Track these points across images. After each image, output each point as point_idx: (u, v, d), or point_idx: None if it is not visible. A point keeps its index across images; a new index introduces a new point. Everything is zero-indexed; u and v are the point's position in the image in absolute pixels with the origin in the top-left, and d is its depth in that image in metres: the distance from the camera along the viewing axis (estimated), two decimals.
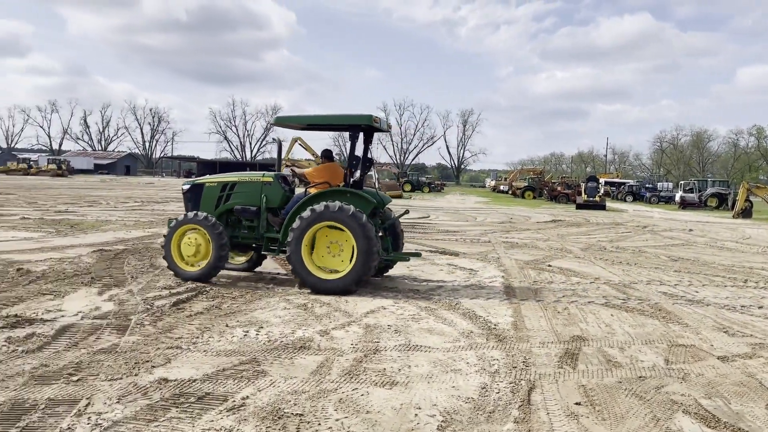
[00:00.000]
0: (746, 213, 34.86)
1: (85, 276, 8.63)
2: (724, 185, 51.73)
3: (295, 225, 8.21)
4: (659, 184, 69.23)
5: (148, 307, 7.00)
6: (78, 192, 33.96)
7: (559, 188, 50.15)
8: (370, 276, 8.40)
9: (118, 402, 4.20)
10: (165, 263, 10.07)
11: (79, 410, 4.04)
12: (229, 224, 9.13)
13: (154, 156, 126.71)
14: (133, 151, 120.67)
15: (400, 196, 45.62)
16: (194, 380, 4.68)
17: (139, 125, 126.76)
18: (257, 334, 6.08)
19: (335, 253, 8.38)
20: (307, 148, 58.47)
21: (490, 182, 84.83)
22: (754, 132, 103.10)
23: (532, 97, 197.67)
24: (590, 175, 54.15)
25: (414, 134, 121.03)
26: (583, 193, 40.14)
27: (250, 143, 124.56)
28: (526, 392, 4.63)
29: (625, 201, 57.61)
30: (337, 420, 4.04)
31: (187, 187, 9.51)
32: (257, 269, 9.89)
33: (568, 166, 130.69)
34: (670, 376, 5.13)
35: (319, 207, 8.14)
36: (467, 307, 7.59)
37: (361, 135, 8.95)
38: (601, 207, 38.23)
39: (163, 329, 6.12)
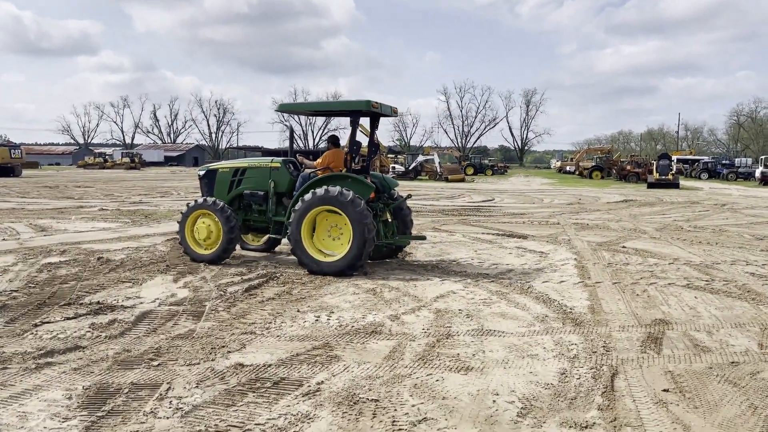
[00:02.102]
0: None
1: (160, 264, 8.89)
2: None
3: (296, 207, 8.37)
4: (737, 160, 65.77)
5: (222, 293, 7.13)
6: (150, 183, 35.21)
7: (628, 167, 48.33)
8: (366, 260, 8.38)
9: (197, 387, 4.27)
10: (236, 251, 10.29)
11: (161, 394, 4.12)
12: (241, 208, 9.42)
13: (220, 147, 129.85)
14: (200, 143, 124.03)
15: (462, 180, 45.18)
16: (269, 365, 4.71)
17: (206, 117, 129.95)
18: (328, 319, 6.08)
19: (335, 237, 8.47)
20: (367, 134, 58.63)
21: (556, 163, 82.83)
22: None
23: (599, 73, 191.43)
24: (662, 152, 51.99)
25: (475, 117, 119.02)
26: (654, 172, 38.53)
27: (312, 131, 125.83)
28: (608, 378, 4.43)
29: (699, 179, 55.10)
30: (413, 406, 3.97)
31: (202, 172, 9.85)
32: (276, 249, 10.23)
33: (637, 144, 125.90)
34: (766, 362, 4.81)
35: (320, 191, 8.24)
36: (540, 291, 7.37)
37: (368, 121, 9.09)
38: (674, 185, 36.66)
39: (237, 315, 6.22)
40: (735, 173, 54.32)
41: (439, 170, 46.64)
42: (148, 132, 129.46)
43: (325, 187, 8.31)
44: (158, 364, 4.70)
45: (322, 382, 4.37)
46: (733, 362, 4.79)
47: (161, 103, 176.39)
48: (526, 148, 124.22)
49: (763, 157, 53.23)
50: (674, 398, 4.07)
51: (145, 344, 5.21)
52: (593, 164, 57.06)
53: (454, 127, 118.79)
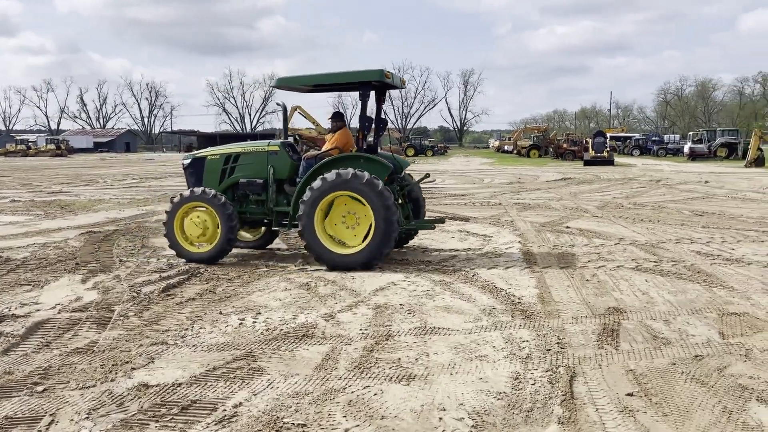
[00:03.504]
0: (759, 161, 33.88)
1: (69, 262, 7.98)
2: (734, 134, 50.33)
3: (306, 196, 7.49)
4: (666, 137, 67.85)
5: (135, 294, 6.34)
6: (76, 171, 33.26)
7: (564, 145, 49.02)
8: (391, 248, 7.65)
9: (87, 418, 3.55)
10: (158, 243, 9.45)
11: (39, 431, 3.39)
12: (235, 199, 8.33)
13: (153, 131, 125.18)
14: (132, 128, 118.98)
15: None
16: (179, 384, 4.02)
17: (137, 101, 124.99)
18: (254, 322, 5.42)
19: (351, 225, 7.67)
20: (307, 116, 57.04)
21: (494, 143, 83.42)
22: (759, 79, 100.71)
23: (533, 54, 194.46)
24: (597, 130, 52.98)
25: (414, 97, 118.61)
26: (590, 149, 39.09)
27: (250, 114, 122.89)
28: (566, 382, 3.95)
29: (632, 155, 56.44)
30: (346, 430, 3.38)
31: (187, 161, 8.70)
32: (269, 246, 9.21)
33: (572, 123, 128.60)
34: (731, 354, 4.45)
35: (331, 175, 7.39)
36: (486, 279, 6.90)
37: (372, 94, 8.11)
38: (610, 162, 37.27)
39: (149, 320, 5.47)
40: (665, 149, 56.02)
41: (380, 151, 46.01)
42: (75, 117, 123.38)
43: (335, 170, 7.45)
44: (44, 390, 3.94)
45: (241, 403, 3.72)
46: (696, 356, 4.40)
47: (88, 87, 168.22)
48: (465, 128, 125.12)
49: (690, 133, 55.11)
50: (640, 404, 3.62)
51: (33, 363, 4.42)
52: (531, 143, 57.70)
53: (393, 108, 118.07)
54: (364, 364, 4.37)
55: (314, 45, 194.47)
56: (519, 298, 6.07)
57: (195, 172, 8.57)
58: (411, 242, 9.29)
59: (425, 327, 5.21)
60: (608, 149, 39.42)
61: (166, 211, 8.11)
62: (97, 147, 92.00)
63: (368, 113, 8.17)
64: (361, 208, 7.54)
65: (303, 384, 4.02)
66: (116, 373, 4.22)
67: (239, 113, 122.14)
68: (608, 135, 52.00)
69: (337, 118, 8.47)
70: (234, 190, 8.36)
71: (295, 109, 54.70)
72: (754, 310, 5.53)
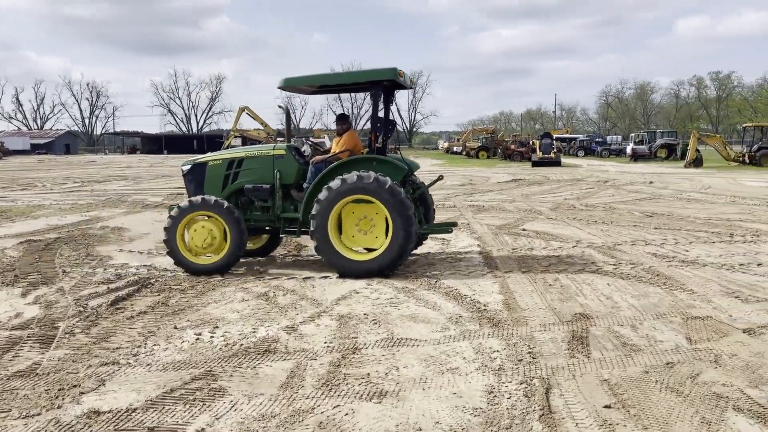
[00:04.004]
0: (697, 162, 35.13)
1: (7, 274, 7.48)
2: (673, 136, 52.23)
3: (321, 198, 7.19)
4: (609, 138, 69.80)
5: (81, 309, 5.96)
6: (11, 174, 31.70)
7: (512, 147, 49.77)
8: (408, 257, 7.47)
9: None
10: (104, 252, 9.01)
11: None
12: (239, 205, 7.97)
13: (95, 133, 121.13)
14: (72, 129, 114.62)
15: None
16: (134, 409, 3.73)
17: (77, 101, 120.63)
18: (212, 337, 5.14)
19: (366, 230, 7.41)
20: (255, 117, 56.31)
21: (443, 144, 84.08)
22: (694, 83, 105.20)
23: (480, 56, 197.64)
24: (544, 131, 53.99)
25: (364, 99, 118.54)
26: (538, 151, 39.81)
27: (196, 115, 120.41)
28: (543, 395, 3.85)
29: (576, 156, 57.78)
30: None
31: (187, 167, 8.26)
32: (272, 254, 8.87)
33: (518, 124, 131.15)
34: (701, 360, 4.44)
35: (351, 177, 7.12)
36: (449, 285, 6.79)
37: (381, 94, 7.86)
38: (557, 163, 38.02)
39: (98, 337, 5.13)
40: (608, 150, 57.62)
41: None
42: (11, 118, 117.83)
43: (356, 172, 7.13)
44: None
45: (203, 429, 3.47)
46: (668, 363, 4.37)
47: (24, 86, 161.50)
48: (414, 129, 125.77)
49: (632, 135, 56.90)
50: (619, 417, 3.55)
51: None
52: (479, 144, 58.32)
53: (343, 109, 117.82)
54: (332, 380, 4.17)
55: (262, 45, 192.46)
56: (484, 305, 5.97)
57: (195, 178, 8.17)
58: None
59: (392, 338, 5.04)
60: (555, 150, 40.19)
61: (165, 228, 7.63)
62: (35, 149, 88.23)
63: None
64: (374, 211, 7.31)
65: (269, 405, 3.79)
66: (63, 399, 3.89)
67: (185, 114, 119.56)
68: (554, 136, 53.16)
69: (343, 120, 8.17)
70: (237, 197, 8.04)
71: (243, 110, 53.81)
72: (716, 313, 5.58)
